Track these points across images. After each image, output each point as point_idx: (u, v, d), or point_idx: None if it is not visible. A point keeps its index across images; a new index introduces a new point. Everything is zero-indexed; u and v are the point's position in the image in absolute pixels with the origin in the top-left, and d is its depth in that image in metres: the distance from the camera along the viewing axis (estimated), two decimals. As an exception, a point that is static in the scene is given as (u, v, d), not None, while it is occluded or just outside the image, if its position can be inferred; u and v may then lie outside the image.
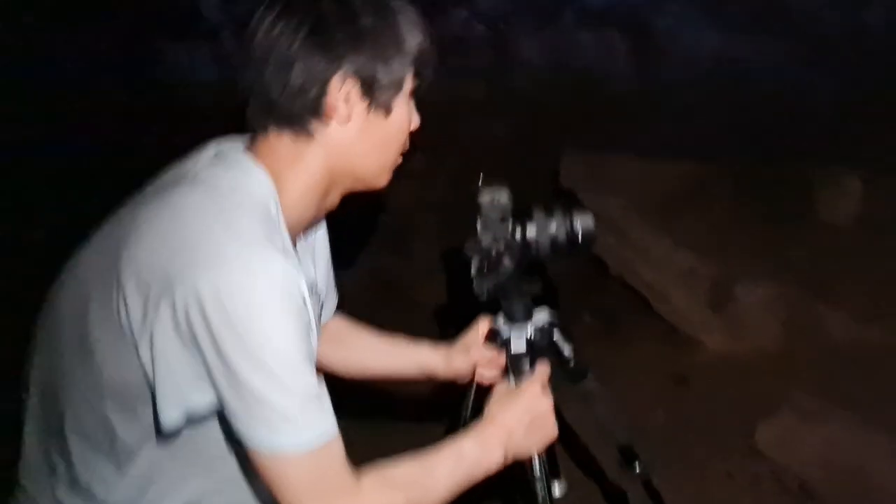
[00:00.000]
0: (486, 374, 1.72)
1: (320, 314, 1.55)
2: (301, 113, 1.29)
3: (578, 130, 4.36)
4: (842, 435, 2.82)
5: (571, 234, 1.54)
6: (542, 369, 1.54)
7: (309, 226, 1.42)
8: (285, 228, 1.29)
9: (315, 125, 1.30)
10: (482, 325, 1.71)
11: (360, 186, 1.39)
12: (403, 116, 1.36)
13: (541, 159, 4.34)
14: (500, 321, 1.67)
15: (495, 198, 1.51)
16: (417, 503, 1.33)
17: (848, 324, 3.32)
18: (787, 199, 3.80)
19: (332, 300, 1.65)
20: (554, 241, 1.53)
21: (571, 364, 1.69)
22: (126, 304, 1.20)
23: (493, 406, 1.47)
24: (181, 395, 1.22)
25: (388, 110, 1.33)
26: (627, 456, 1.91)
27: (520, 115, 4.82)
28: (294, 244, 1.36)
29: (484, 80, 5.19)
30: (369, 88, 1.30)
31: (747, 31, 5.59)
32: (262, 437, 1.19)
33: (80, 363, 1.27)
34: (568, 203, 1.56)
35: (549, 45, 5.82)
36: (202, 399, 1.22)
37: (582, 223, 1.54)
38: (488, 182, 1.52)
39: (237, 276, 1.16)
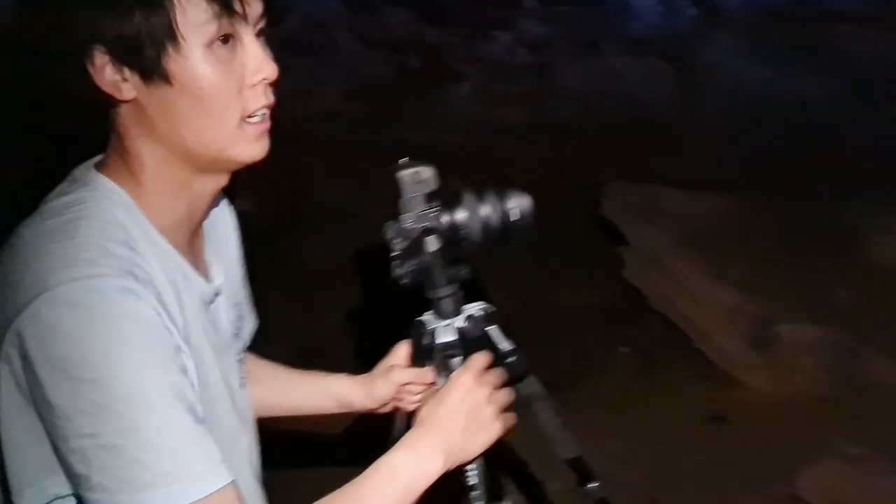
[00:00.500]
0: (414, 398, 1.54)
1: (241, 326, 1.37)
2: (94, 104, 1.11)
3: (620, 159, 4.33)
4: (885, 482, 2.73)
5: (505, 217, 1.39)
6: (477, 357, 1.34)
7: (195, 223, 1.22)
8: (157, 234, 1.13)
9: (113, 114, 1.12)
10: (402, 348, 1.54)
11: (215, 164, 1.16)
12: (203, 75, 1.09)
13: (581, 187, 4.31)
14: (427, 317, 1.48)
15: (417, 174, 1.36)
16: None
17: (893, 368, 3.23)
18: (833, 237, 3.73)
19: (250, 314, 1.46)
20: (486, 225, 1.39)
21: (509, 361, 1.45)
22: None
23: (423, 409, 1.27)
24: (39, 483, 1.05)
25: (164, 75, 1.07)
26: (580, 472, 1.63)
27: (561, 141, 4.80)
28: (191, 247, 1.21)
29: (526, 106, 5.18)
30: (124, 53, 1.07)
31: (794, 66, 5.54)
32: None
33: None
34: (502, 186, 1.41)
35: (593, 72, 5.80)
36: (63, 489, 1.03)
37: (518, 204, 1.39)
38: (411, 160, 1.37)
39: (60, 308, 0.97)
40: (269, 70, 1.13)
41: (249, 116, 1.13)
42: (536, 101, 5.27)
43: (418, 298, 1.42)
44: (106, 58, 1.06)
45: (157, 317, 1.02)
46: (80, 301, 0.97)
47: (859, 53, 5.76)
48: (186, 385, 1.04)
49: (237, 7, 1.08)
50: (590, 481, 1.59)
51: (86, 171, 1.15)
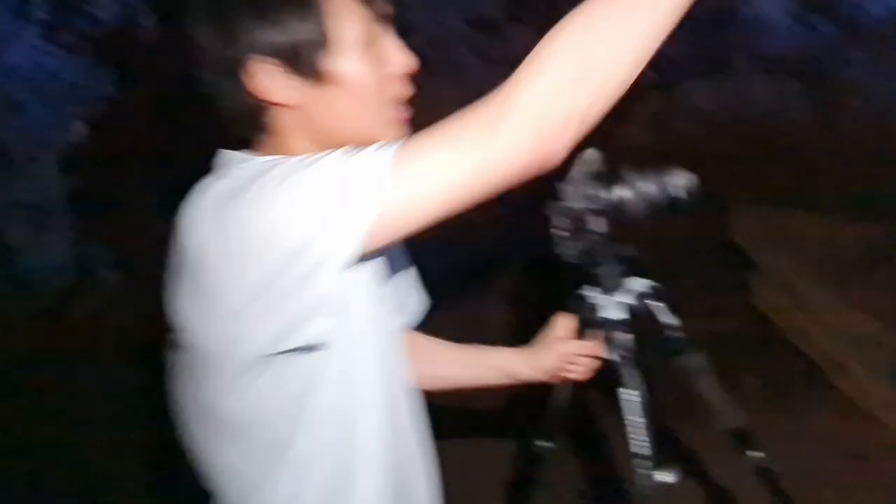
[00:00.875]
0: (577, 367, 1.63)
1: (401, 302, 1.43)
2: (247, 112, 1.20)
3: (751, 182, 4.17)
4: None
5: (671, 192, 1.45)
6: None
7: None
8: None
9: (269, 118, 1.20)
10: (563, 320, 1.62)
11: None
12: (356, 71, 1.18)
13: (709, 210, 4.17)
14: (593, 292, 1.56)
15: (584, 155, 1.42)
16: (591, 61, 1.03)
17: None
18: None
19: (414, 293, 1.51)
20: (650, 202, 1.44)
21: (673, 335, 1.55)
22: None
23: None
24: None
25: (323, 75, 1.17)
26: (742, 440, 1.70)
27: (688, 163, 4.66)
28: None
29: (652, 126, 5.06)
30: (287, 60, 1.15)
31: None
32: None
33: None
34: (661, 163, 1.49)
35: (721, 91, 5.63)
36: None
37: (682, 180, 1.45)
38: None
39: None
40: (410, 62, 1.23)
41: (395, 105, 1.23)
42: (662, 120, 5.14)
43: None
44: (265, 66, 1.15)
45: None
46: None
47: None
48: None
49: (379, 8, 1.19)
50: (751, 449, 1.68)
51: (241, 158, 1.20)
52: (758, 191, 4.26)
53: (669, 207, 1.46)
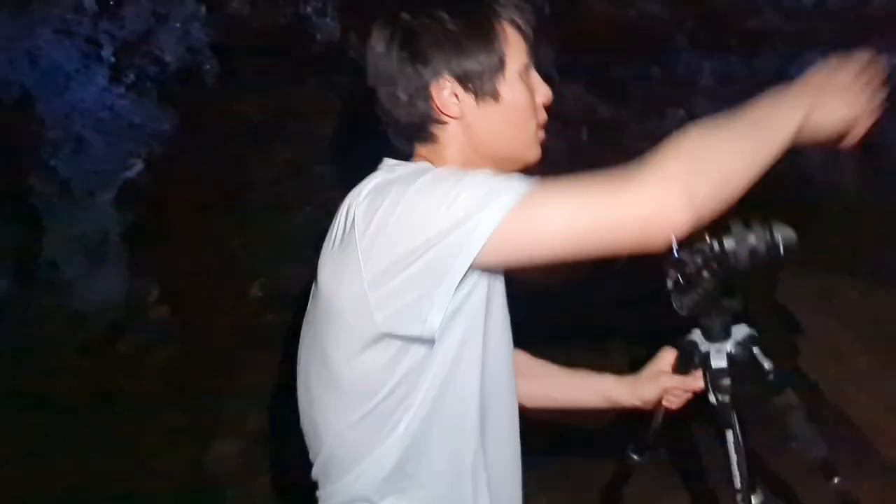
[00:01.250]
0: (675, 399, 1.81)
1: None
2: (421, 123, 1.41)
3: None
4: None
5: (772, 244, 1.55)
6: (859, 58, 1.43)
7: None
8: None
9: (437, 129, 1.42)
10: (668, 355, 1.79)
11: (510, 164, 1.44)
12: (518, 95, 1.42)
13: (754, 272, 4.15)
14: (697, 338, 1.70)
15: None
16: (707, 165, 1.22)
17: None
18: None
19: None
20: (753, 252, 1.54)
21: (771, 377, 1.69)
22: None
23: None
24: None
25: (495, 96, 1.41)
26: (827, 470, 1.88)
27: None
28: None
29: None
30: (468, 82, 1.39)
31: None
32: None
33: None
34: (765, 216, 1.59)
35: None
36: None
37: (782, 234, 1.56)
38: None
39: None
40: (549, 92, 1.49)
41: (538, 128, 1.47)
42: None
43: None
44: (449, 84, 1.39)
45: None
46: None
47: None
48: None
49: (533, 44, 1.44)
50: (835, 477, 1.88)
51: (402, 164, 1.42)
52: (802, 252, 4.23)
53: (768, 259, 1.56)
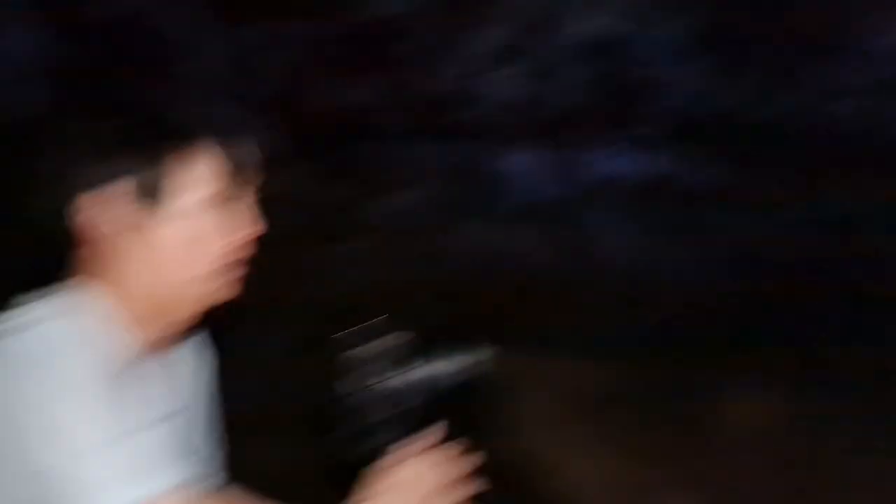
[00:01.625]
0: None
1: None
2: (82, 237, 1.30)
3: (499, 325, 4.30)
4: None
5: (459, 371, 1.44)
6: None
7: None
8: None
9: (98, 247, 1.31)
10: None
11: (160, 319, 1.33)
12: (191, 225, 1.28)
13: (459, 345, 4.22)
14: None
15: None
16: None
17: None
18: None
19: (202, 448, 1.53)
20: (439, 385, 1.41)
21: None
22: None
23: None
24: None
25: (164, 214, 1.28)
26: None
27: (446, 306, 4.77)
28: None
29: (416, 269, 5.11)
30: (142, 193, 1.27)
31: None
32: None
33: None
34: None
35: (475, 238, 5.79)
36: None
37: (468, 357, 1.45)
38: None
39: None
40: (259, 228, 1.37)
41: (225, 267, 1.34)
42: (427, 264, 5.20)
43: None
44: (122, 192, 1.26)
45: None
46: None
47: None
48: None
49: (242, 172, 1.34)
50: None
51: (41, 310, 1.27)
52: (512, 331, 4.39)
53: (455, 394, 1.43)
